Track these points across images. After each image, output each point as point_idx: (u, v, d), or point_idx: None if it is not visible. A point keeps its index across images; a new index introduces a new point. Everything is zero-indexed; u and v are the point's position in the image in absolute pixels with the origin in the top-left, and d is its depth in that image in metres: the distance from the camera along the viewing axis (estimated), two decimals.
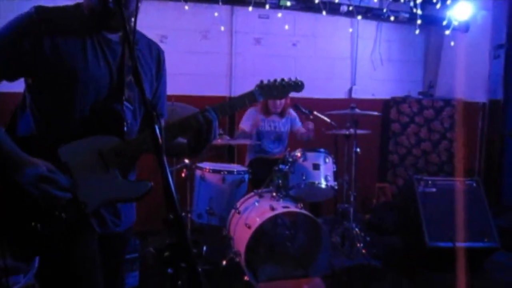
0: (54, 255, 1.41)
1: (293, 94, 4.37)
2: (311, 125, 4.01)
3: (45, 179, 1.31)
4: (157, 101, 1.68)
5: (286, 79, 1.72)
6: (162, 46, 1.72)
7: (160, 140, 1.02)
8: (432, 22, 5.20)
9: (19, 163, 1.32)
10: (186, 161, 3.51)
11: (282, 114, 4.32)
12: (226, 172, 3.63)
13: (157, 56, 1.65)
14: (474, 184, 3.96)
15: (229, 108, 1.57)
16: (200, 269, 3.09)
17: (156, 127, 1.03)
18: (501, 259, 3.93)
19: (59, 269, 1.42)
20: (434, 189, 3.92)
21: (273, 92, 1.67)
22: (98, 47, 1.45)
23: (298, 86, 1.74)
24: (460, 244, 3.61)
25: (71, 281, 1.41)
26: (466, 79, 5.05)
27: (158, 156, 1.00)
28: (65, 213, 1.35)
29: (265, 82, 1.67)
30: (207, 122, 1.49)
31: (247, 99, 1.62)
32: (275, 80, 1.69)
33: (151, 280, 3.36)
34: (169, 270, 0.96)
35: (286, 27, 4.96)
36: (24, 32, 1.36)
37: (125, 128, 1.46)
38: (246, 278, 3.18)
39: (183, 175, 3.55)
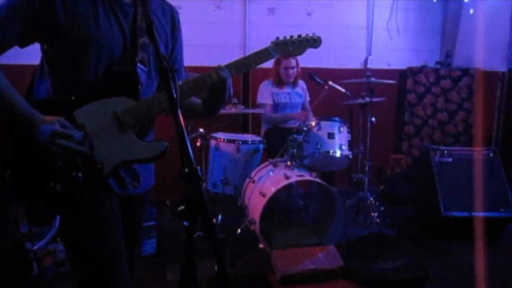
0: (74, 215, 1.43)
1: (307, 64, 4.38)
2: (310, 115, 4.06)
3: (60, 134, 1.33)
4: (174, 62, 1.67)
5: (303, 34, 1.65)
6: None
7: (175, 95, 1.02)
8: None
9: (33, 121, 1.34)
10: (201, 130, 3.53)
11: (294, 83, 4.30)
12: (240, 142, 3.64)
13: (171, 17, 1.63)
14: (491, 154, 3.91)
15: (244, 66, 1.54)
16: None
17: (171, 82, 1.03)
18: None
19: (80, 229, 1.44)
20: (450, 159, 3.89)
21: (289, 48, 1.61)
22: (109, 9, 1.44)
23: (315, 41, 1.66)
24: (476, 214, 3.59)
25: (93, 240, 1.44)
26: (485, 47, 4.93)
27: (173, 111, 1.00)
28: (83, 173, 1.37)
29: (281, 38, 1.61)
30: (221, 80, 1.47)
31: (263, 56, 1.57)
32: (292, 36, 1.63)
33: (168, 248, 3.43)
34: (185, 223, 0.98)
35: None
36: None
37: (140, 90, 1.46)
38: (261, 245, 3.23)
39: (198, 144, 3.57)
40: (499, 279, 3.09)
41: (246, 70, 1.56)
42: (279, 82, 4.24)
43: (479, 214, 3.58)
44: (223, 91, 1.49)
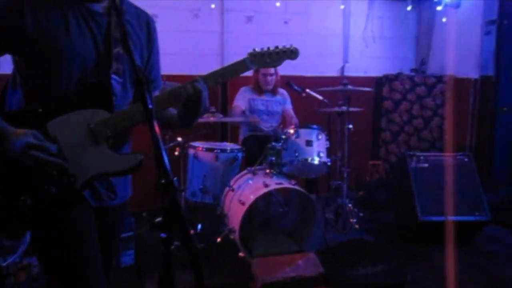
0: (46, 229, 1.41)
1: (285, 72, 4.41)
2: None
3: (34, 147, 1.31)
4: (150, 71, 1.66)
5: (280, 46, 1.64)
6: None
7: (150, 106, 1.02)
8: None
9: (6, 135, 1.31)
10: (179, 139, 3.51)
11: (273, 91, 4.32)
12: (219, 151, 3.63)
13: (147, 25, 1.61)
14: (466, 159, 4.00)
15: (220, 77, 1.53)
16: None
17: (147, 94, 1.02)
18: (491, 232, 3.99)
19: (52, 244, 1.42)
20: (426, 165, 3.96)
21: (266, 60, 1.59)
22: (82, 20, 1.42)
23: (292, 53, 1.65)
24: (452, 218, 3.66)
25: (67, 254, 1.41)
26: (458, 55, 5.05)
27: (148, 122, 0.99)
28: (55, 186, 1.35)
29: (258, 49, 1.60)
30: (197, 92, 1.46)
31: (239, 68, 1.56)
32: (268, 48, 1.62)
33: (147, 259, 3.38)
34: (162, 235, 0.97)
35: (278, 4, 4.92)
36: (6, 8, 1.34)
37: (114, 101, 1.44)
38: (241, 254, 3.21)
39: (176, 153, 3.55)
40: (475, 281, 3.15)
41: (222, 81, 1.55)
42: (258, 89, 4.26)
43: (455, 218, 3.65)
44: (198, 103, 1.48)
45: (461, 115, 5.10)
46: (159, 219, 0.96)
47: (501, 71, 4.91)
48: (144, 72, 1.59)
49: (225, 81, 1.55)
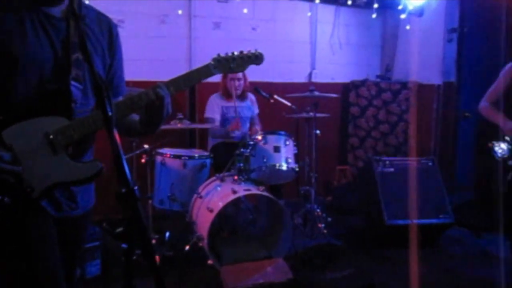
0: (1, 242, 1.36)
1: (253, 78, 4.42)
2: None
3: None
4: (113, 77, 1.62)
5: (245, 51, 1.62)
6: (119, 31, 1.64)
7: (109, 113, 0.99)
8: (388, 6, 5.30)
9: None
10: (146, 146, 3.46)
11: (242, 97, 4.31)
12: (187, 157, 3.60)
13: (109, 31, 1.57)
14: (430, 163, 4.10)
15: (183, 83, 1.51)
16: (162, 254, 3.06)
17: (106, 100, 1.00)
18: (455, 234, 4.10)
19: (9, 257, 1.37)
20: (392, 169, 4.03)
21: (231, 65, 1.58)
22: (38, 25, 1.37)
23: (257, 57, 1.63)
24: (417, 221, 3.73)
25: (25, 267, 1.36)
26: (421, 62, 5.18)
27: (108, 129, 0.97)
28: (10, 197, 1.30)
29: (222, 55, 1.58)
30: (159, 98, 1.44)
31: (203, 73, 1.54)
32: (233, 53, 1.60)
33: (114, 269, 3.31)
34: (123, 245, 0.95)
35: (245, 11, 4.94)
36: None
37: (74, 108, 1.41)
38: (209, 262, 3.19)
39: (143, 161, 3.50)
40: (439, 282, 3.22)
41: (186, 87, 1.53)
42: (227, 94, 4.24)
43: (420, 221, 3.73)
44: (161, 109, 1.46)
45: (425, 120, 5.23)
46: (119, 229, 0.94)
47: (463, 77, 5.08)
48: (105, 79, 1.56)
49: (189, 87, 1.53)
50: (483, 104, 3.05)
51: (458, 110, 5.05)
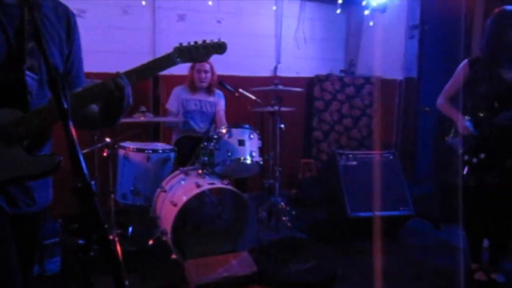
0: None
1: (218, 72, 4.38)
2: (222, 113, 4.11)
3: None
4: (71, 68, 1.56)
5: (207, 40, 1.59)
6: (80, 21, 1.58)
7: (65, 106, 0.96)
8: (352, 2, 5.37)
9: None
10: (108, 139, 3.38)
11: (209, 90, 4.27)
12: (150, 151, 3.55)
13: (66, 20, 1.51)
14: (391, 157, 4.19)
15: (144, 72, 1.47)
16: (125, 249, 3.00)
17: (62, 92, 0.96)
18: (415, 225, 4.22)
19: None
20: (355, 163, 4.11)
21: (193, 54, 1.55)
22: None
23: (220, 46, 1.60)
24: (379, 213, 3.82)
25: None
26: (384, 57, 5.29)
27: (63, 122, 0.94)
28: None
29: (184, 44, 1.55)
30: (118, 88, 1.39)
31: (164, 62, 1.50)
32: (196, 42, 1.57)
33: (75, 266, 3.23)
34: (80, 241, 0.92)
35: (210, 3, 4.89)
36: None
37: (29, 99, 1.35)
38: (173, 256, 3.16)
39: (105, 154, 3.42)
40: (400, 272, 3.31)
41: (148, 76, 1.50)
42: (193, 87, 4.19)
43: (382, 213, 3.82)
44: (121, 99, 1.41)
45: (388, 114, 5.34)
46: (75, 225, 0.91)
47: (423, 73, 5.21)
48: (63, 69, 1.51)
49: (150, 76, 1.50)
50: (440, 100, 3.14)
51: (418, 105, 5.18)
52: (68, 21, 1.52)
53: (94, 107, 1.53)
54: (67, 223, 3.23)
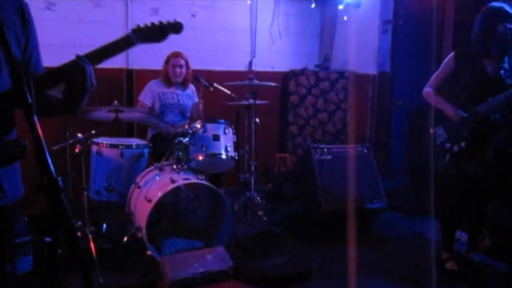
0: None
1: (193, 66, 4.34)
2: (201, 106, 4.05)
3: None
4: (30, 58, 1.54)
5: (164, 21, 1.65)
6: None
7: (29, 100, 0.93)
8: None
9: None
10: (80, 135, 3.32)
11: (184, 84, 4.25)
12: (124, 147, 3.51)
13: (20, 9, 1.49)
14: (365, 150, 4.24)
15: (104, 53, 1.49)
16: (99, 246, 2.95)
17: (25, 87, 0.94)
18: (388, 218, 4.30)
19: None
20: (329, 157, 4.13)
21: (151, 35, 1.60)
22: None
23: (175, 26, 1.65)
24: (353, 206, 3.86)
25: None
26: (358, 52, 5.33)
27: (27, 117, 0.91)
28: None
29: (142, 25, 1.59)
30: (80, 69, 1.40)
31: (123, 43, 1.54)
32: (152, 22, 1.62)
33: (47, 264, 3.17)
34: (47, 239, 0.90)
35: None
36: None
37: None
38: (148, 252, 3.13)
39: (77, 150, 3.35)
40: (374, 264, 3.36)
41: (107, 57, 1.51)
42: (167, 81, 4.16)
43: (356, 206, 3.86)
44: (84, 80, 1.41)
45: (362, 109, 5.40)
46: (42, 223, 0.89)
47: (396, 68, 5.27)
48: (21, 59, 1.49)
49: (110, 57, 1.52)
50: (427, 89, 3.23)
51: (391, 99, 5.24)
52: (22, 10, 1.50)
53: (55, 93, 1.51)
54: (34, 222, 3.15)
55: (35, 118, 0.91)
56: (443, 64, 3.16)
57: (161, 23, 1.63)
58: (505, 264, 3.14)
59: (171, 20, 1.66)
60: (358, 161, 4.11)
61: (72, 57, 1.42)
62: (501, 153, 3.00)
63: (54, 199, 0.89)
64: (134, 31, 1.56)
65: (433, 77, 3.23)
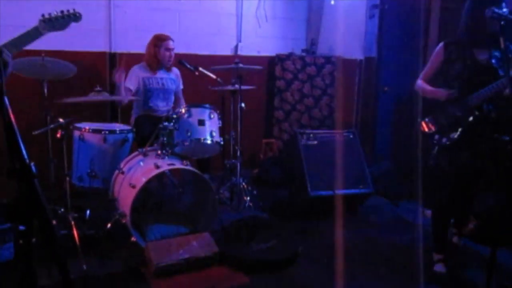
0: None
1: (178, 50, 4.26)
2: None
3: None
4: None
5: (65, 11, 1.91)
6: None
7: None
8: None
9: None
10: (61, 120, 3.24)
11: (168, 69, 4.19)
12: (107, 132, 3.43)
13: None
14: (351, 136, 4.24)
15: (16, 45, 1.61)
16: (83, 233, 2.90)
17: None
18: (373, 203, 4.31)
19: None
20: (315, 142, 4.12)
21: (56, 25, 1.83)
22: None
23: (76, 16, 1.92)
24: (339, 192, 3.87)
25: None
26: (345, 37, 5.30)
27: None
28: None
29: (47, 15, 1.80)
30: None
31: (32, 34, 1.70)
32: (56, 13, 1.85)
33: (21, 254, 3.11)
34: (21, 227, 0.86)
35: None
36: None
37: None
38: (133, 239, 3.10)
39: (58, 136, 3.27)
40: (360, 248, 3.38)
41: (20, 48, 1.64)
42: (156, 65, 4.09)
43: (342, 191, 3.87)
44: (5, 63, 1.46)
45: (348, 94, 5.38)
46: (15, 210, 0.85)
47: (383, 53, 5.25)
48: None
49: (22, 47, 1.65)
50: (418, 83, 3.12)
51: (378, 84, 5.23)
52: None
53: None
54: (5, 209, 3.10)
55: (6, 101, 0.86)
56: (433, 55, 3.06)
57: (62, 13, 1.87)
58: (489, 249, 3.16)
59: (71, 10, 1.95)
60: (344, 147, 4.10)
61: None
62: (494, 143, 2.88)
63: (27, 185, 0.84)
64: (41, 21, 1.76)
65: (425, 69, 3.12)
